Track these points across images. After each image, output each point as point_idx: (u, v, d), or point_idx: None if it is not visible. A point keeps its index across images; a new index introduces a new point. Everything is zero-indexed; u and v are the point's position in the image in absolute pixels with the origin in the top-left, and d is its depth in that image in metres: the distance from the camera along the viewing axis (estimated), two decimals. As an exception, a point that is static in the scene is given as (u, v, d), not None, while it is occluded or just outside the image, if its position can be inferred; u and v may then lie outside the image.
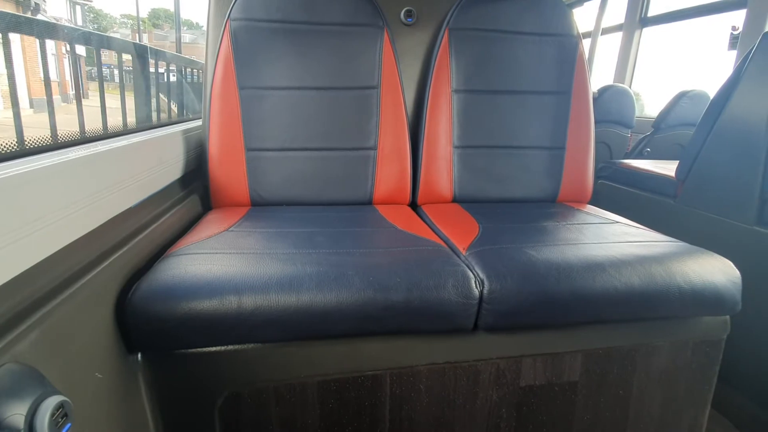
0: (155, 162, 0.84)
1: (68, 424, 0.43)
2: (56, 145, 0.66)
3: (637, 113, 2.33)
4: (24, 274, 0.47)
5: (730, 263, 0.79)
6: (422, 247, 0.78)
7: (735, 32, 2.21)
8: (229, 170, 1.05)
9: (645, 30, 2.66)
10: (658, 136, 2.18)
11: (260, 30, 1.06)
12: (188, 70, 1.73)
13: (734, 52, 2.17)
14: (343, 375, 0.70)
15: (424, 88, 1.19)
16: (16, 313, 0.45)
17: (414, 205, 1.18)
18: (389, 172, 1.13)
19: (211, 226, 0.86)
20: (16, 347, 0.42)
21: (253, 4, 1.06)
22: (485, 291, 0.69)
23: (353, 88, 1.11)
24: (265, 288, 0.62)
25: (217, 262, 0.68)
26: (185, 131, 1.05)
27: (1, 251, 0.43)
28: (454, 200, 1.18)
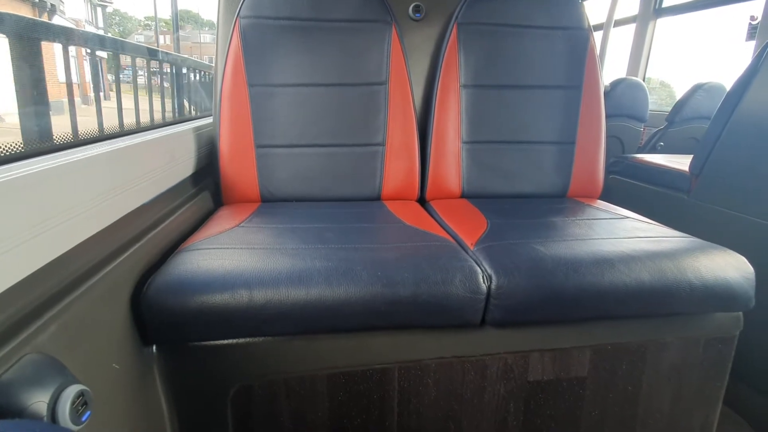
0: (168, 159, 0.86)
1: (88, 412, 0.44)
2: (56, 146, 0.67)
3: (668, 104, 2.27)
4: (44, 269, 0.48)
5: (744, 259, 0.78)
6: (430, 242, 0.79)
7: (753, 22, 2.15)
8: (239, 167, 1.07)
9: (665, 20, 2.60)
10: (672, 130, 2.13)
11: (269, 27, 1.07)
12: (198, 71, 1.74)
13: (753, 43, 2.11)
14: (352, 368, 0.71)
15: (432, 84, 1.19)
16: (37, 306, 0.47)
17: (422, 201, 1.18)
18: (397, 168, 1.13)
19: (222, 222, 0.88)
20: (38, 338, 0.44)
21: (262, 2, 1.06)
22: (493, 286, 0.70)
23: (361, 84, 1.11)
24: (275, 282, 0.64)
25: (229, 257, 0.69)
26: (196, 129, 1.06)
27: (22, 246, 0.45)
28: (463, 196, 1.18)
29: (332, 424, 0.73)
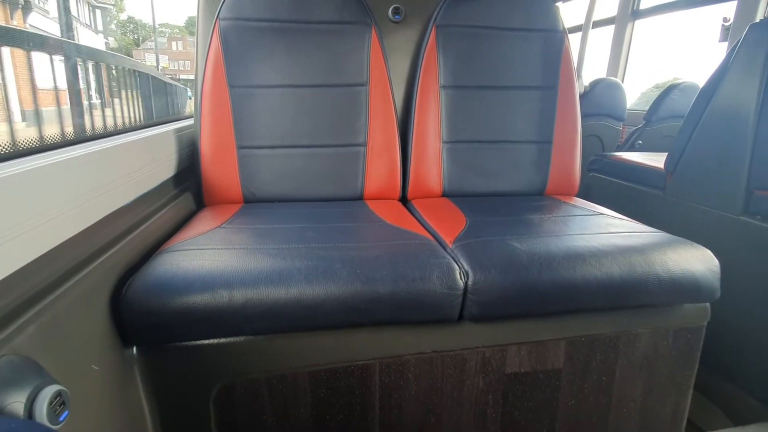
0: (148, 160, 0.86)
1: (66, 412, 0.45)
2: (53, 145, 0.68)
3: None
4: (22, 270, 0.49)
5: (709, 252, 0.81)
6: (410, 240, 0.80)
7: (726, 24, 2.22)
8: (221, 168, 1.07)
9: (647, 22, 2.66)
10: (649, 128, 2.19)
11: (249, 29, 1.07)
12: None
13: (726, 44, 2.18)
14: (333, 365, 0.72)
15: (412, 85, 1.21)
16: (15, 307, 0.47)
17: (404, 200, 1.20)
18: (379, 168, 1.14)
19: (203, 223, 0.88)
20: (15, 340, 0.44)
21: (242, 4, 1.07)
22: (469, 282, 0.71)
23: (342, 85, 1.12)
24: (255, 282, 0.65)
25: (209, 257, 0.70)
26: (177, 130, 1.06)
27: (0, 248, 0.45)
28: (444, 195, 1.20)
29: (315, 420, 0.74)
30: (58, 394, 0.44)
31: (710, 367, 1.04)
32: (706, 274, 0.79)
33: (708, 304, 0.86)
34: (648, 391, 0.87)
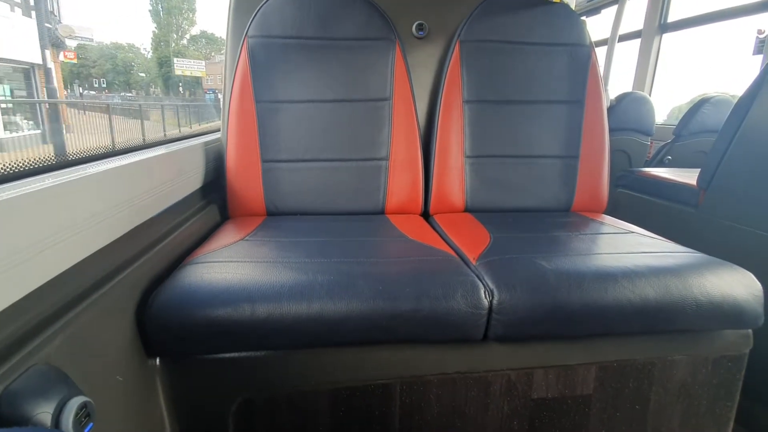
0: (176, 173, 0.88)
1: (90, 424, 0.45)
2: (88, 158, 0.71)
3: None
4: (52, 282, 0.50)
5: (751, 275, 0.77)
6: (432, 256, 0.79)
7: (761, 36, 2.15)
8: (245, 181, 1.09)
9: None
10: (679, 143, 2.12)
11: (276, 46, 1.10)
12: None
13: (761, 57, 2.11)
14: (353, 383, 0.71)
15: (435, 100, 1.21)
16: (45, 318, 0.48)
17: (426, 215, 1.19)
18: (401, 183, 1.14)
19: (227, 236, 0.89)
20: (44, 350, 0.45)
21: (269, 22, 1.10)
22: (495, 301, 0.69)
23: (366, 100, 1.13)
24: (277, 296, 0.64)
25: (232, 270, 0.70)
26: (205, 143, 1.09)
27: (32, 260, 0.46)
28: (466, 210, 1.18)
29: None
30: (84, 405, 0.44)
31: (753, 397, 0.97)
32: (749, 298, 0.74)
33: (750, 331, 0.81)
34: (685, 422, 0.82)
